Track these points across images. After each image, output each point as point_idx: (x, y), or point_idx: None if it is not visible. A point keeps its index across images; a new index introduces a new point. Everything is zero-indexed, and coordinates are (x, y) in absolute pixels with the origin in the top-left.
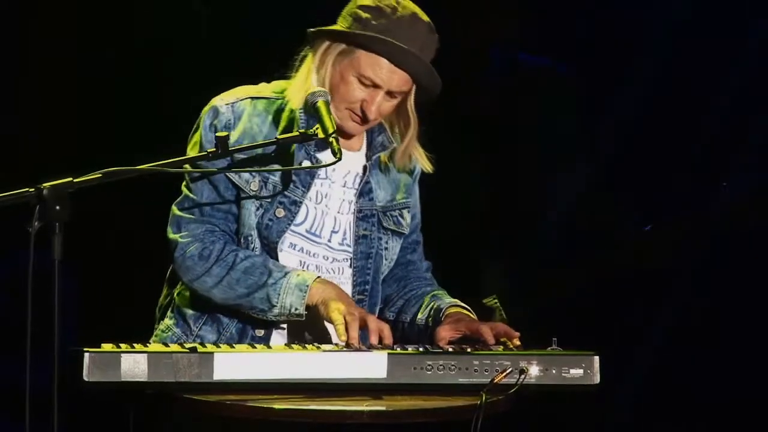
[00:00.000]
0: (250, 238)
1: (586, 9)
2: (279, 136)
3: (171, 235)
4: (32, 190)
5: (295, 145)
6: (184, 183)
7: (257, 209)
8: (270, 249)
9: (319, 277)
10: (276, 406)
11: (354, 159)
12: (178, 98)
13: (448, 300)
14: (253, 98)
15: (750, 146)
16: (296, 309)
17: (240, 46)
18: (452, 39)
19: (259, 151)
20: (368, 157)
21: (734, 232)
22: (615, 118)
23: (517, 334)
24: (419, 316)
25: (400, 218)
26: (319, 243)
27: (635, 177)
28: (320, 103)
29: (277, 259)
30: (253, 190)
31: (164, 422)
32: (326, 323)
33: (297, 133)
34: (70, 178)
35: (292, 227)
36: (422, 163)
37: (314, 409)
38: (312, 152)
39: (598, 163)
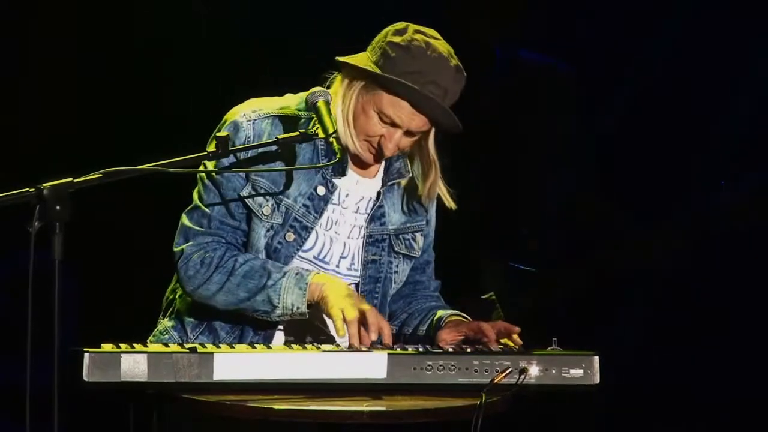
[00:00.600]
0: None
1: (586, 9)
2: (279, 137)
3: (177, 247)
4: (32, 190)
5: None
6: (195, 192)
7: (267, 231)
8: None
9: (318, 272)
10: (276, 406)
11: (369, 185)
12: (178, 98)
13: (445, 312)
14: (275, 116)
15: (751, 146)
16: (298, 308)
17: (240, 46)
18: (453, 37)
19: (274, 166)
20: (384, 183)
21: (734, 232)
22: (616, 117)
23: (517, 329)
24: (421, 327)
25: (412, 242)
26: (326, 269)
27: (635, 177)
28: (320, 103)
29: None
30: (264, 214)
31: (164, 422)
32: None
33: (297, 133)
34: (70, 178)
35: (301, 252)
36: (445, 199)
37: (314, 409)
38: (329, 176)
39: (597, 163)
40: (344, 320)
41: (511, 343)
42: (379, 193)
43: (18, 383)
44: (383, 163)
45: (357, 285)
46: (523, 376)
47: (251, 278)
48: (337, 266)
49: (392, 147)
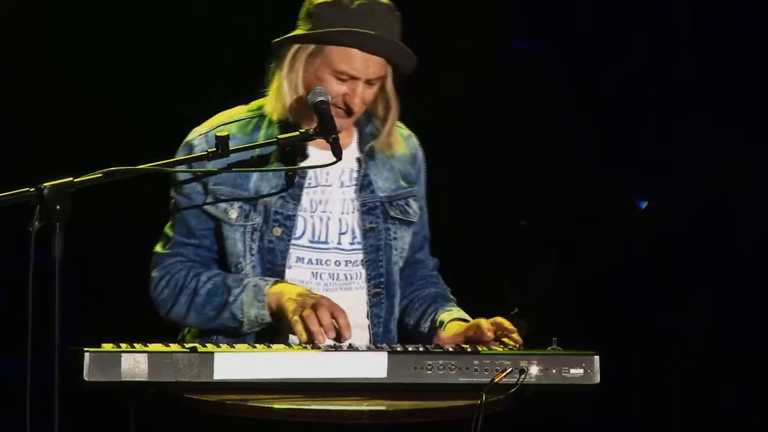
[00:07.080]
0: (240, 266)
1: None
2: (279, 137)
3: (151, 274)
4: (32, 190)
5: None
6: (168, 225)
7: (243, 234)
8: (276, 272)
9: (277, 281)
10: (276, 406)
11: (346, 155)
12: (178, 98)
13: (448, 314)
14: (226, 124)
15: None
16: (263, 319)
17: (239, 46)
18: (448, 30)
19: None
20: (361, 149)
21: (735, 232)
22: (602, 101)
23: (515, 329)
24: (423, 324)
25: (407, 207)
26: (328, 249)
27: (627, 163)
28: (322, 104)
29: (283, 278)
30: (231, 218)
31: (164, 422)
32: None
33: (297, 133)
34: (70, 178)
35: (293, 241)
36: (396, 146)
37: (314, 409)
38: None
39: (588, 148)
40: (303, 324)
41: (511, 343)
42: (359, 161)
43: (18, 383)
44: (356, 131)
45: (362, 259)
46: (523, 376)
47: (215, 296)
48: (339, 243)
49: (359, 101)
